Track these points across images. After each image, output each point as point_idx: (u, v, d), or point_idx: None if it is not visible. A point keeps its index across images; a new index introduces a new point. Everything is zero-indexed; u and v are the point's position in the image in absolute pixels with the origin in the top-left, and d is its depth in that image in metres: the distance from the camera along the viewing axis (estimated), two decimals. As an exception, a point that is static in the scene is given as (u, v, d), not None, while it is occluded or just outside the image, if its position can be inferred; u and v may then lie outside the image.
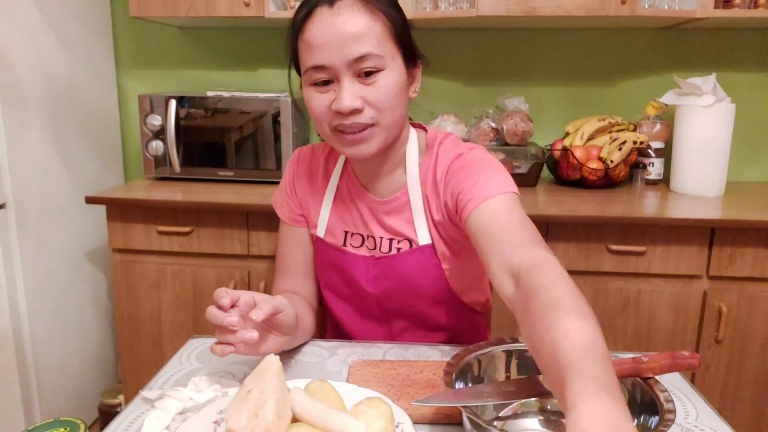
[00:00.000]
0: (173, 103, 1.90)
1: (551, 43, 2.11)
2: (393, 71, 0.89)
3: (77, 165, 2.02)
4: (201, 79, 2.26)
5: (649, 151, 2.00)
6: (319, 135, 0.94)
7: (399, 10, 0.92)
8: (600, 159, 1.90)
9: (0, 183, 1.68)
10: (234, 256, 1.79)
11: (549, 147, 2.03)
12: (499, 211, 0.84)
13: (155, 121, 1.93)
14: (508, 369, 0.80)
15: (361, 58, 0.85)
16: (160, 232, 1.78)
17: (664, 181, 2.04)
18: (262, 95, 1.92)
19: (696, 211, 1.67)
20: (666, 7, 1.83)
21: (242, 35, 2.21)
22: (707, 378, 1.70)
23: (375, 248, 1.01)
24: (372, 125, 0.89)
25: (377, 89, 0.87)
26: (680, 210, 1.69)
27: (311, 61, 0.87)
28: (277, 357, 0.74)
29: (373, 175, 1.00)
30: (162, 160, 1.97)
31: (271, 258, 1.77)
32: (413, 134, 1.01)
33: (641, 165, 2.01)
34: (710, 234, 1.63)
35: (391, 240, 1.00)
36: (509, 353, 0.80)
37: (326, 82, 0.89)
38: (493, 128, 1.99)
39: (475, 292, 1.08)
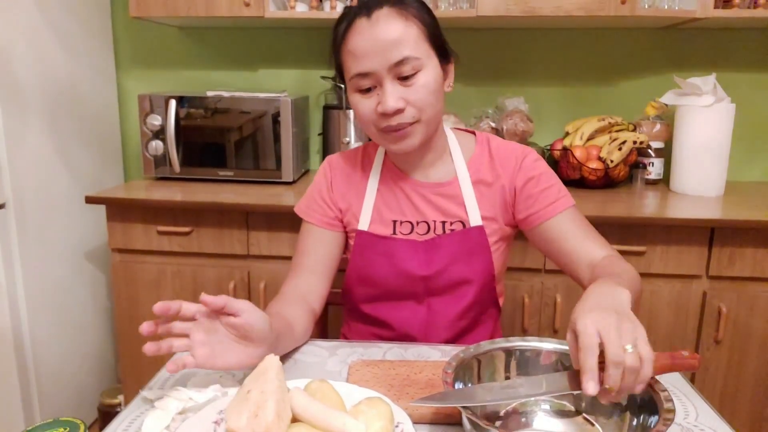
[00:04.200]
0: (173, 103, 1.90)
1: (551, 43, 2.11)
2: (430, 70, 0.96)
3: (77, 165, 2.02)
4: (201, 79, 2.26)
5: (649, 151, 2.00)
6: (367, 136, 1.03)
7: (430, 12, 0.99)
8: (600, 159, 1.90)
9: (0, 183, 1.68)
10: (234, 256, 1.79)
11: (549, 147, 2.03)
12: (580, 220, 1.04)
13: (155, 121, 1.93)
14: (507, 369, 0.80)
15: (400, 62, 0.93)
16: (160, 232, 1.78)
17: (664, 181, 2.04)
18: (262, 95, 1.92)
19: (696, 211, 1.67)
20: (666, 7, 1.83)
21: (242, 35, 2.21)
22: (707, 378, 1.70)
23: (428, 232, 1.07)
24: (415, 122, 0.97)
25: (417, 89, 0.95)
26: (680, 210, 1.69)
27: (355, 69, 0.95)
28: (277, 357, 0.74)
29: (420, 166, 1.08)
30: (162, 160, 1.97)
31: (271, 258, 1.77)
32: (442, 125, 1.10)
33: (641, 165, 2.01)
34: (710, 234, 1.63)
35: (444, 222, 1.07)
36: (509, 353, 0.80)
37: (369, 88, 0.96)
38: (493, 128, 1.99)
39: (500, 284, 1.15)
